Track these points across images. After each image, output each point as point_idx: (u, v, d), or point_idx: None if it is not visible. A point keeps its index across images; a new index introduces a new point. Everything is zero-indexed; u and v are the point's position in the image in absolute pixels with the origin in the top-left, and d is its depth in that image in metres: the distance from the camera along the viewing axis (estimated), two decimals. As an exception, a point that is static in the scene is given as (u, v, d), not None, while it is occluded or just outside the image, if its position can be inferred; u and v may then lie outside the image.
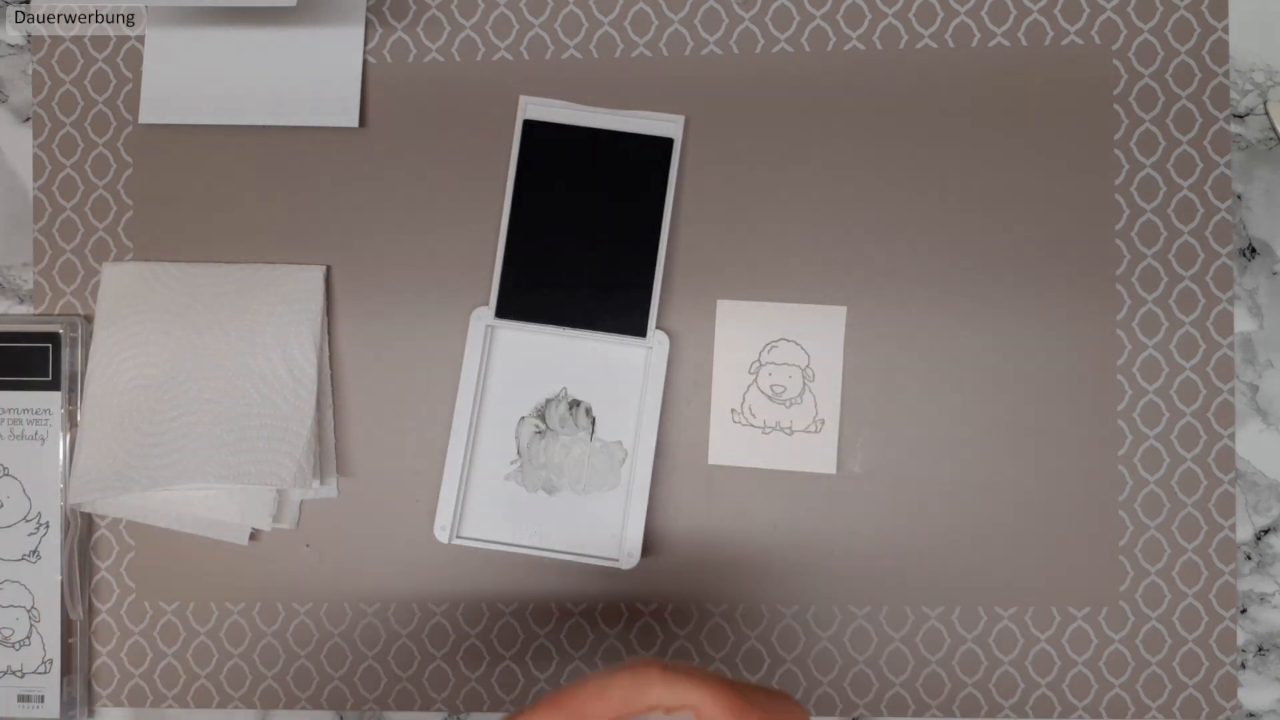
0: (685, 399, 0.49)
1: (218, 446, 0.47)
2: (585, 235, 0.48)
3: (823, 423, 0.49)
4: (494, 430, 0.49)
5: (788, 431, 0.49)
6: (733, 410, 0.49)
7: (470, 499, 0.49)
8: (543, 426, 0.49)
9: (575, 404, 0.48)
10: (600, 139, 0.49)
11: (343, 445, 0.50)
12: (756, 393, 0.49)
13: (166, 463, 0.47)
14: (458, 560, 0.49)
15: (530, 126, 0.49)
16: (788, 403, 0.49)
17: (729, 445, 0.49)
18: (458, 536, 0.48)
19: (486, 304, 0.49)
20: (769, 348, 0.49)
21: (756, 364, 0.49)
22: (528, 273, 0.48)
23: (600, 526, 0.48)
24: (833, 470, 0.49)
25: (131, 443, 0.48)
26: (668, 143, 0.48)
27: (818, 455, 0.49)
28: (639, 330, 0.48)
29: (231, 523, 0.49)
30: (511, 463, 0.49)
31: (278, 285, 0.49)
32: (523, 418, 0.49)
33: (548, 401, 0.49)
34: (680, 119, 0.49)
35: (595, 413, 0.49)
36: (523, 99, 0.49)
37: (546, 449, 0.49)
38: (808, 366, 0.49)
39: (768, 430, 0.49)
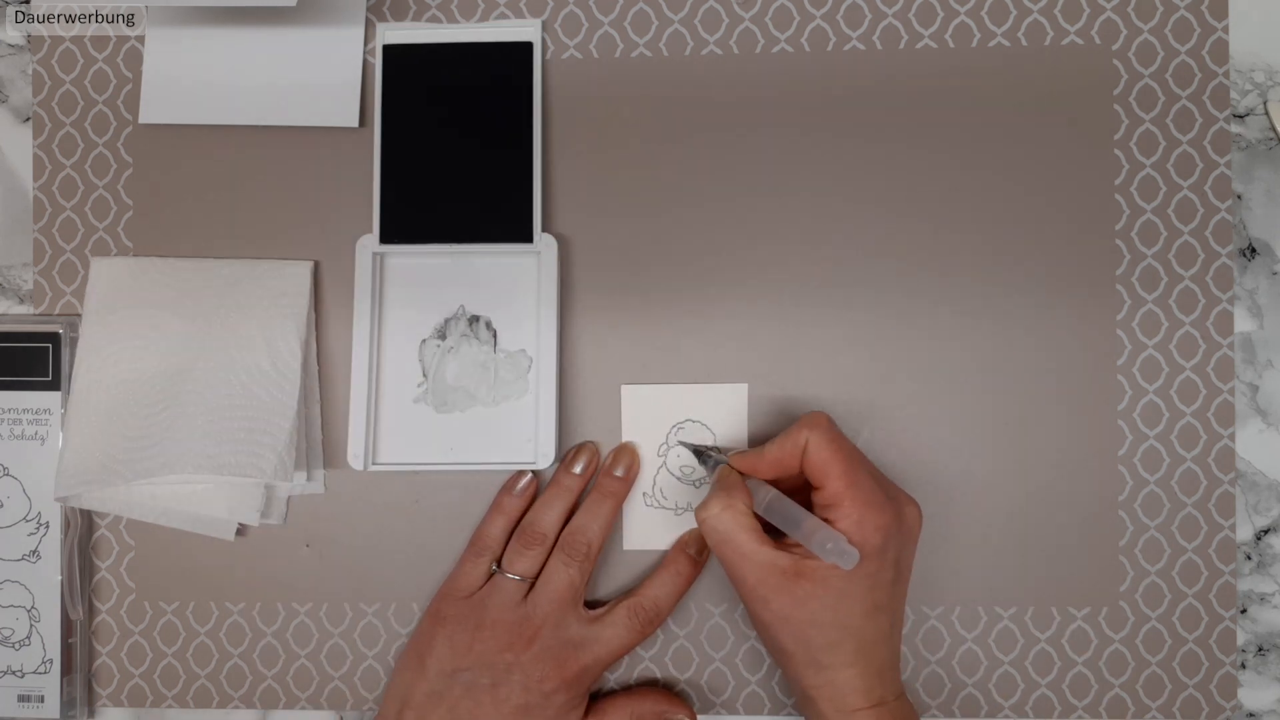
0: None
1: (200, 438, 0.46)
2: (460, 150, 0.49)
3: None
4: (397, 355, 0.49)
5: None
6: (644, 494, 0.49)
7: (382, 426, 0.49)
8: (445, 345, 0.49)
9: (474, 319, 0.49)
10: (462, 54, 0.49)
11: (337, 443, 0.50)
12: (666, 475, 0.49)
13: (149, 454, 0.47)
14: (457, 557, 0.49)
15: (390, 51, 0.49)
16: (697, 483, 0.49)
17: (643, 530, 0.49)
18: (373, 464, 0.49)
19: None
20: (676, 429, 0.49)
21: (665, 446, 0.49)
22: (407, 195, 0.49)
23: (515, 434, 0.49)
24: None
25: (117, 435, 0.48)
26: (527, 47, 0.49)
27: None
28: (525, 235, 0.48)
29: (219, 518, 0.49)
30: (419, 385, 0.49)
31: (265, 280, 0.49)
32: (424, 340, 0.49)
33: (447, 321, 0.49)
34: (538, 23, 0.49)
35: (495, 325, 0.49)
36: (380, 26, 0.50)
37: (451, 367, 0.49)
38: (714, 445, 0.49)
39: (680, 512, 0.49)
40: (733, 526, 0.42)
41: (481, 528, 0.48)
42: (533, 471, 0.49)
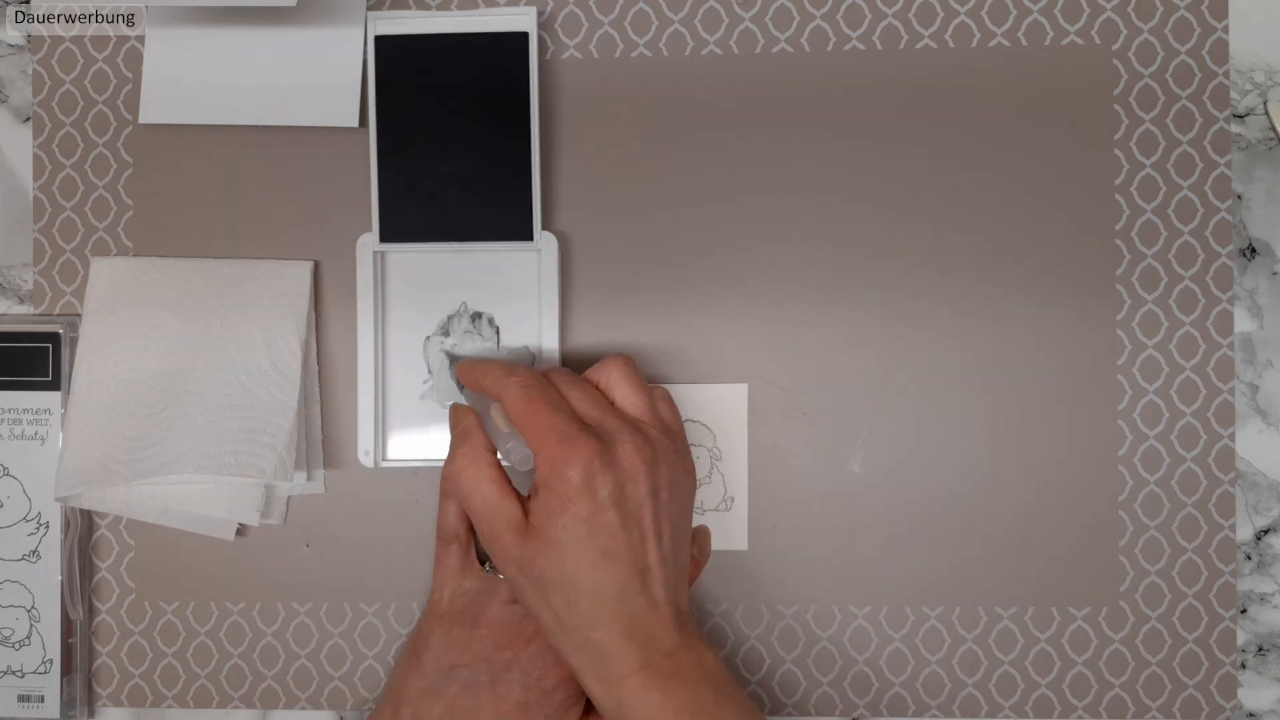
0: None
1: (199, 438, 0.46)
2: (457, 145, 0.48)
3: (732, 500, 0.49)
4: (402, 353, 0.50)
5: (699, 511, 0.49)
6: None
7: (390, 423, 0.49)
8: (448, 342, 0.49)
9: (477, 316, 0.49)
10: (456, 43, 0.48)
11: (337, 443, 0.50)
12: None
13: (149, 454, 0.47)
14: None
15: (382, 42, 0.48)
16: (698, 483, 0.49)
17: None
18: (383, 460, 0.49)
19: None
20: None
21: None
22: (406, 192, 0.48)
23: None
24: (745, 547, 0.49)
25: (117, 435, 0.48)
26: (523, 37, 0.48)
27: (729, 533, 0.49)
28: (525, 234, 0.48)
29: (219, 518, 0.49)
30: (425, 382, 0.49)
31: (265, 280, 0.49)
32: (428, 337, 0.49)
33: (450, 318, 0.49)
34: (532, 10, 0.48)
35: (498, 321, 0.49)
36: (369, 15, 0.49)
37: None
38: (714, 446, 0.49)
39: None
40: (479, 478, 0.41)
41: (439, 519, 0.47)
42: None
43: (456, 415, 0.44)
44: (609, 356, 0.43)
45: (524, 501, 0.41)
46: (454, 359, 0.48)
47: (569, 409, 0.41)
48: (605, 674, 0.38)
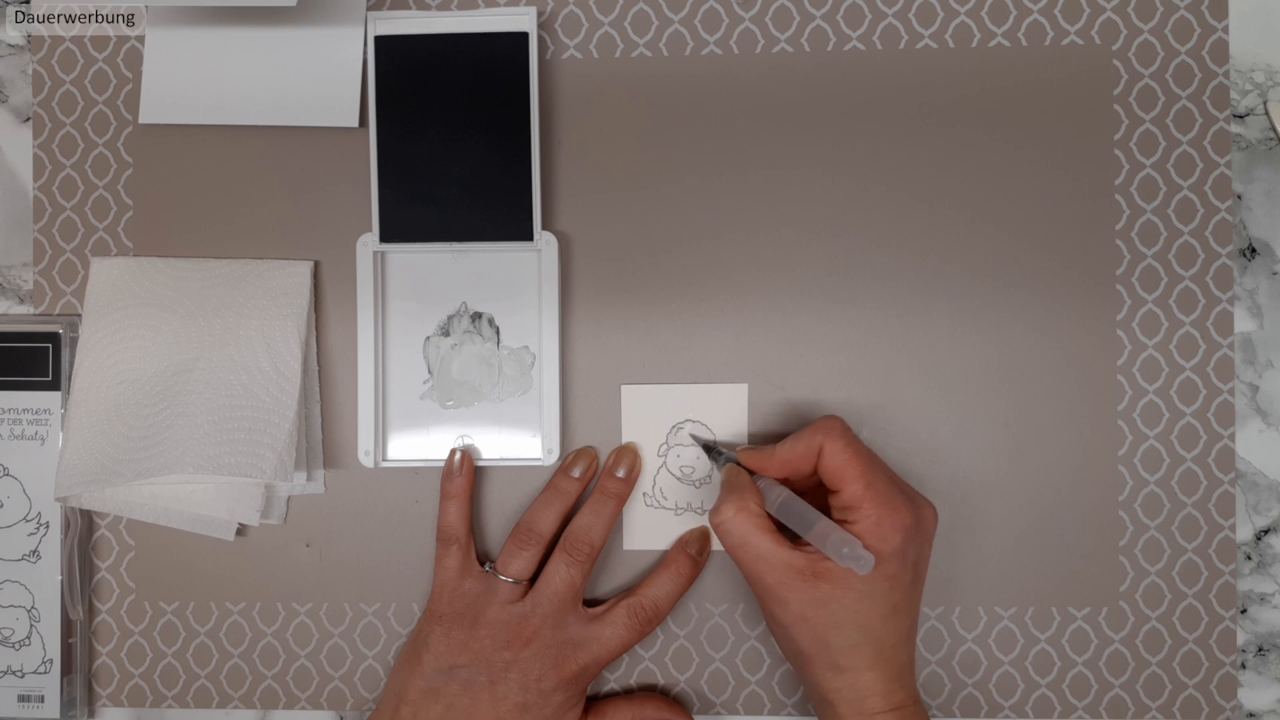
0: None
1: (199, 438, 0.46)
2: (457, 146, 0.48)
3: None
4: (402, 353, 0.50)
5: (699, 512, 0.49)
6: (644, 494, 0.49)
7: (390, 423, 0.49)
8: (448, 342, 0.49)
9: (477, 316, 0.49)
10: (456, 44, 0.48)
11: (337, 443, 0.50)
12: (666, 475, 0.49)
13: (149, 454, 0.47)
14: (458, 560, 0.49)
15: (382, 42, 0.48)
16: (697, 483, 0.49)
17: (644, 529, 0.49)
18: (383, 460, 0.49)
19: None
20: (675, 429, 0.49)
21: (665, 446, 0.49)
22: (406, 192, 0.48)
23: (520, 431, 0.49)
24: None
25: (117, 435, 0.48)
26: (522, 37, 0.48)
27: None
28: (525, 235, 0.48)
29: (219, 518, 0.49)
30: (425, 382, 0.49)
31: (265, 280, 0.49)
32: (428, 337, 0.49)
33: (450, 318, 0.49)
34: (532, 10, 0.48)
35: (498, 322, 0.49)
36: (369, 15, 0.49)
37: (456, 364, 0.49)
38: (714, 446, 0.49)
39: (680, 512, 0.49)
40: (748, 529, 0.42)
41: (440, 520, 0.48)
42: (535, 460, 0.49)
43: (731, 472, 0.45)
44: (824, 419, 0.43)
45: (795, 544, 0.42)
46: (718, 454, 0.47)
47: (884, 467, 0.43)
48: (862, 708, 0.41)
